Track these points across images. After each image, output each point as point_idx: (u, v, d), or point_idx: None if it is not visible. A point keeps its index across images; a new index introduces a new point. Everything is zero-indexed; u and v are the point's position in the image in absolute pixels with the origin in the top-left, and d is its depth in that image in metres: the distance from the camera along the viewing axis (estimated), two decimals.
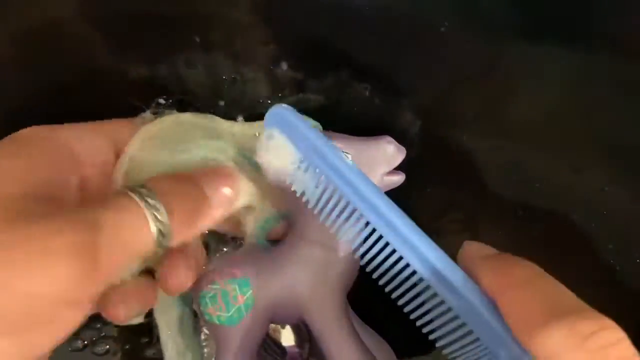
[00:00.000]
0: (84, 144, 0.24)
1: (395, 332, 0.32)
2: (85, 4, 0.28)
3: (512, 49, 0.28)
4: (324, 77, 0.29)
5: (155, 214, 0.21)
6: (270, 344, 0.31)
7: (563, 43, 0.27)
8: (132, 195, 0.21)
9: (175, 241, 0.22)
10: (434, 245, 0.22)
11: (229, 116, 0.30)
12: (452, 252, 0.32)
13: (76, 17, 0.28)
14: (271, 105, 0.30)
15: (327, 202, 0.24)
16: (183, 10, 0.28)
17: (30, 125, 0.23)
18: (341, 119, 0.30)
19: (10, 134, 0.23)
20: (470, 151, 0.30)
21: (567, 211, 0.30)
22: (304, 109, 0.29)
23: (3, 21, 0.28)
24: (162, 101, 0.28)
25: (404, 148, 0.28)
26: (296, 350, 0.31)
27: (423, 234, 0.22)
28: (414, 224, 0.22)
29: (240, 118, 0.29)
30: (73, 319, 0.20)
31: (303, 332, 0.31)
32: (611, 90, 0.28)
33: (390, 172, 0.28)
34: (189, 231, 0.23)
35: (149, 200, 0.21)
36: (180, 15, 0.29)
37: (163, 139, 0.26)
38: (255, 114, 0.30)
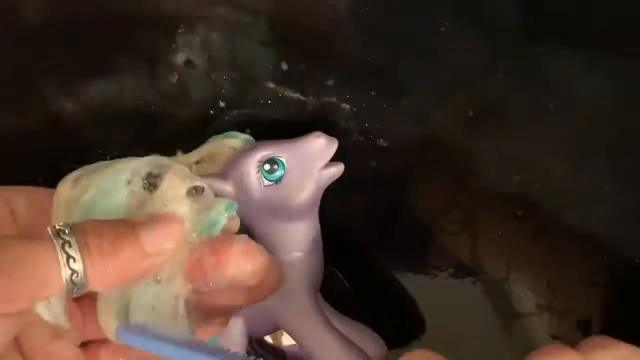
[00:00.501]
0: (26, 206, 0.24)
1: (371, 307, 0.32)
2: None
3: (512, 49, 0.28)
4: (324, 76, 0.30)
5: (69, 256, 0.20)
6: (264, 353, 0.31)
7: (563, 43, 0.27)
8: (50, 232, 0.20)
9: (96, 287, 0.21)
10: None
11: (229, 116, 0.30)
12: (452, 252, 0.32)
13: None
14: (271, 105, 0.30)
15: None
16: (184, 10, 0.28)
17: None
18: (341, 118, 0.30)
19: None
20: (470, 151, 0.30)
21: (567, 211, 0.30)
22: (301, 110, 0.29)
23: None
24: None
25: (335, 138, 0.28)
26: (298, 350, 0.32)
27: None
28: None
29: (179, 153, 0.29)
30: None
31: None
32: (611, 90, 0.28)
33: (327, 165, 0.27)
34: (115, 280, 0.22)
35: (65, 241, 0.20)
36: (181, 15, 0.29)
37: (94, 171, 0.25)
38: (255, 115, 0.30)
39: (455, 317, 0.33)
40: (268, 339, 0.34)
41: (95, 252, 0.21)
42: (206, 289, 0.23)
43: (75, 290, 0.20)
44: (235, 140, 0.29)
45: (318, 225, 0.29)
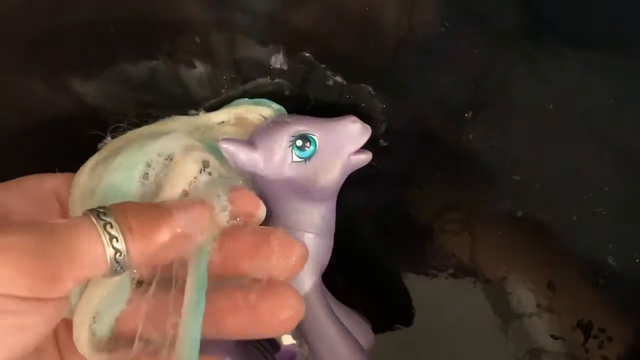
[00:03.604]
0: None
1: (373, 308, 0.32)
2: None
3: (512, 49, 0.28)
4: (324, 78, 0.30)
5: (112, 236, 0.21)
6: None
7: (563, 43, 0.27)
8: (89, 214, 0.21)
9: (136, 265, 0.22)
10: None
11: None
12: (451, 252, 0.32)
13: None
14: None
15: None
16: (184, 13, 0.29)
17: None
18: None
19: None
20: (469, 151, 0.30)
21: (567, 211, 0.30)
22: (301, 110, 0.29)
23: None
24: (121, 125, 0.27)
25: (369, 126, 0.27)
26: (295, 349, 0.32)
27: None
28: None
29: (201, 111, 0.29)
30: (22, 324, 0.19)
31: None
32: (611, 90, 0.28)
33: (356, 152, 0.27)
34: (155, 259, 0.22)
35: (107, 222, 0.21)
36: (180, 17, 0.29)
37: (107, 159, 0.25)
38: None
39: (455, 317, 0.33)
40: None
41: (136, 232, 0.21)
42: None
43: (118, 269, 0.21)
44: (268, 108, 0.29)
45: (334, 210, 0.29)
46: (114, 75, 0.29)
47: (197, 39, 0.29)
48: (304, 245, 0.24)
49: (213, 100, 0.30)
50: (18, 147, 0.30)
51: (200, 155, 0.25)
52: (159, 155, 0.25)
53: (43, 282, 0.19)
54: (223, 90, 0.30)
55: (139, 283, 0.24)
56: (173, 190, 0.24)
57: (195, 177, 0.25)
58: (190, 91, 0.30)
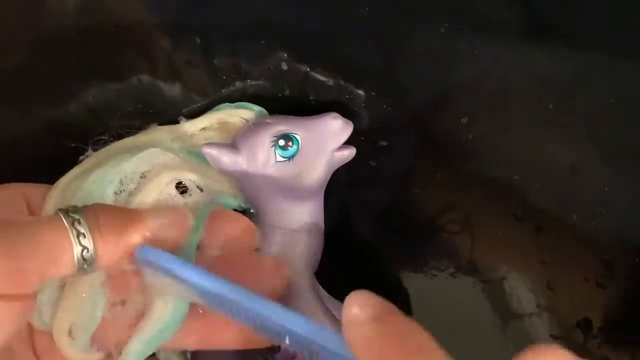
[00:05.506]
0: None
1: None
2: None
3: (512, 49, 0.28)
4: (324, 77, 0.30)
5: (79, 233, 0.21)
6: None
7: (563, 43, 0.27)
8: (59, 212, 0.21)
9: (104, 264, 0.22)
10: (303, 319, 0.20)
11: None
12: (451, 252, 0.32)
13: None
14: (271, 105, 0.30)
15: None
16: (185, 15, 0.29)
17: None
18: None
19: None
20: (469, 151, 0.30)
21: (567, 211, 0.30)
22: (301, 111, 0.29)
23: None
24: (103, 137, 0.28)
25: (351, 122, 0.27)
26: (294, 349, 0.32)
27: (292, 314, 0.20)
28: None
29: (182, 119, 0.29)
30: None
31: None
32: (611, 90, 0.28)
33: (340, 148, 0.27)
34: (122, 257, 0.22)
35: (75, 219, 0.21)
36: (179, 19, 0.29)
37: (82, 175, 0.25)
38: None
39: (454, 317, 0.33)
40: None
41: (105, 229, 0.21)
42: None
43: (85, 266, 0.21)
44: (249, 111, 0.29)
45: (322, 207, 0.29)
46: (100, 85, 0.29)
47: (198, 40, 0.29)
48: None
49: (195, 106, 0.30)
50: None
51: (175, 175, 0.25)
52: (133, 172, 0.25)
53: (7, 277, 0.19)
54: (223, 91, 0.30)
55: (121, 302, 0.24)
56: (142, 205, 0.25)
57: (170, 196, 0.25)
58: (182, 97, 0.30)
